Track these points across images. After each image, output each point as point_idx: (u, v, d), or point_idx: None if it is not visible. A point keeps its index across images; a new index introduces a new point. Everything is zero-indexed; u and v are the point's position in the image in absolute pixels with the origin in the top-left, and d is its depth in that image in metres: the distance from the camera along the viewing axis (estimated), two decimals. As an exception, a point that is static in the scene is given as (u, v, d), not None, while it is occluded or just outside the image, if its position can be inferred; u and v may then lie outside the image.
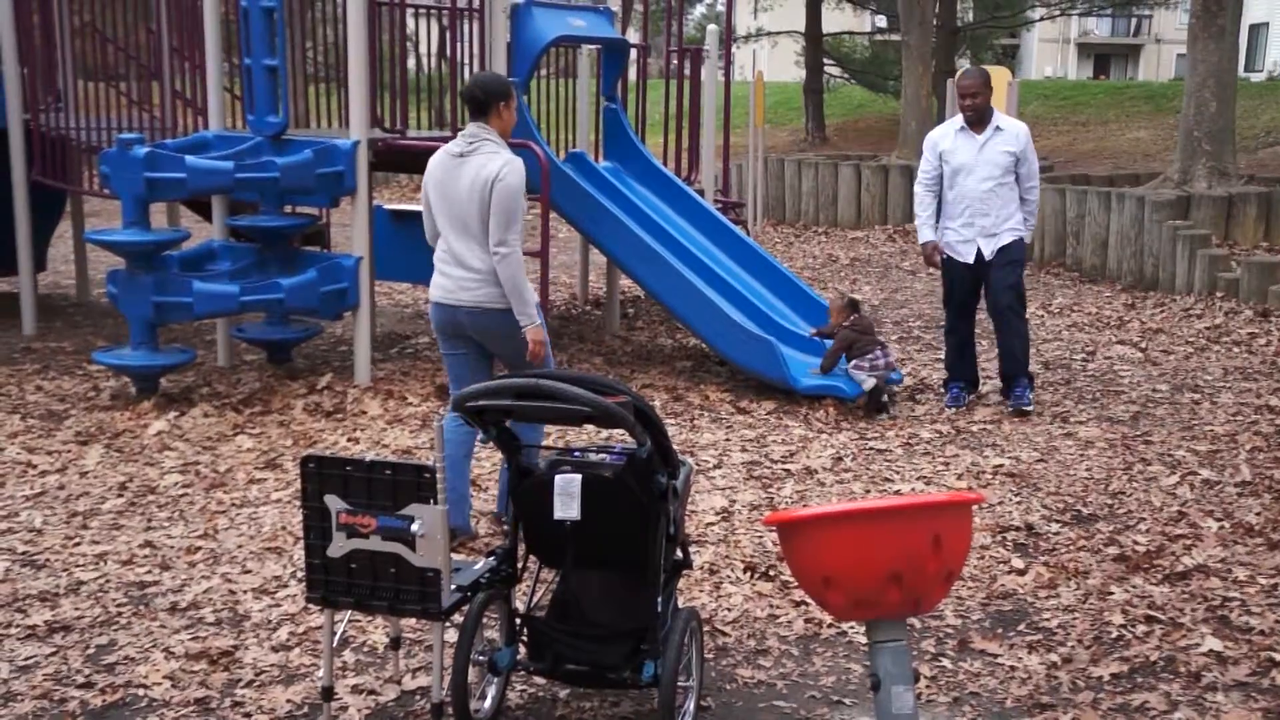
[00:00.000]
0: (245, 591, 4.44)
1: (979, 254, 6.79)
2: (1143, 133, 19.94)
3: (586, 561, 3.45)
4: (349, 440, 6.27)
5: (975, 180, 6.73)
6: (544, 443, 5.35)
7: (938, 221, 6.95)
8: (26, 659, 3.91)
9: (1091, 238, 11.70)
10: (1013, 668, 3.88)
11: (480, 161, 4.56)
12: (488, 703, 3.51)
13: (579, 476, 3.34)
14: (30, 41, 8.53)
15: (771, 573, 4.61)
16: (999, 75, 12.02)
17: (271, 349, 7.84)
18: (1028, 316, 9.67)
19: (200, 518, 5.21)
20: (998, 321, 6.94)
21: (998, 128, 6.73)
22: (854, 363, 6.95)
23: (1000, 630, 4.16)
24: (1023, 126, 6.86)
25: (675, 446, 3.54)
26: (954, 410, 6.98)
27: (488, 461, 5.93)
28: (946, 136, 6.87)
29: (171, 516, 5.23)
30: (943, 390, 7.23)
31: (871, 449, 6.23)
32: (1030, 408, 6.88)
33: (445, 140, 7.28)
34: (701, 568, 4.63)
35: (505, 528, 3.48)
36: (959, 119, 6.84)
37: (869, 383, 6.88)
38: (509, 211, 4.53)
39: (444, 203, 4.64)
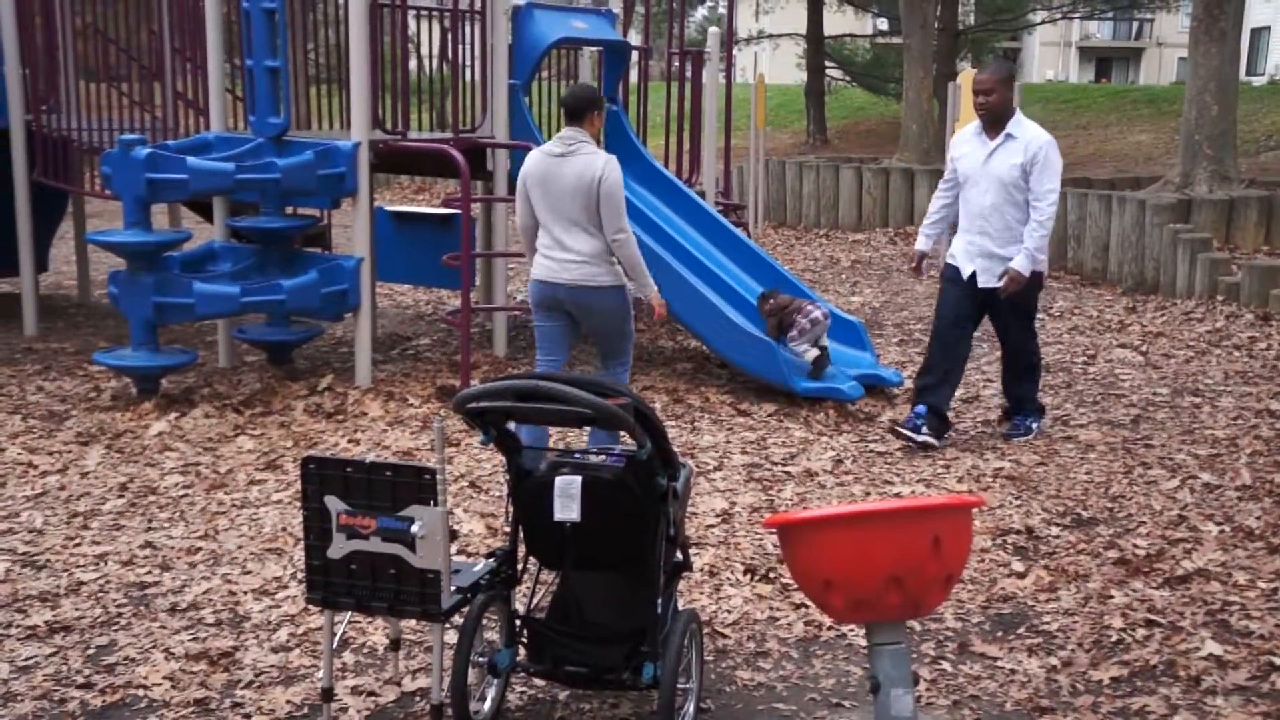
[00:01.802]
0: (245, 592, 4.45)
1: (975, 277, 6.14)
2: (1144, 136, 19.94)
3: (586, 563, 3.45)
4: (349, 441, 6.27)
5: (978, 193, 6.05)
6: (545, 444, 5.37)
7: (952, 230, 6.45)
8: (27, 659, 3.91)
9: (1092, 241, 11.70)
10: (1012, 671, 3.88)
11: (583, 161, 5.22)
12: (487, 704, 3.51)
13: (579, 478, 3.34)
14: (32, 42, 8.54)
15: (771, 575, 4.61)
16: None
17: (272, 350, 7.85)
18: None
19: (201, 518, 5.21)
20: (1004, 350, 6.47)
21: (1009, 135, 5.96)
22: (790, 336, 7.21)
23: (1000, 633, 4.16)
24: (1039, 135, 5.96)
25: (675, 448, 3.54)
26: (910, 434, 6.20)
27: (488, 463, 5.93)
28: (962, 139, 6.23)
29: (172, 517, 5.23)
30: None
31: (872, 451, 6.23)
32: (1022, 438, 6.37)
33: (445, 142, 7.34)
34: (701, 570, 4.63)
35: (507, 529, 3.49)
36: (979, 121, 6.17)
37: (811, 353, 7.17)
38: (618, 203, 5.24)
39: (547, 197, 5.30)
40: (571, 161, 5.24)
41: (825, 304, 7.60)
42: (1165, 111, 20.91)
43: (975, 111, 6.10)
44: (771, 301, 7.42)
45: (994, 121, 5.99)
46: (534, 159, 5.35)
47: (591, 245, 5.26)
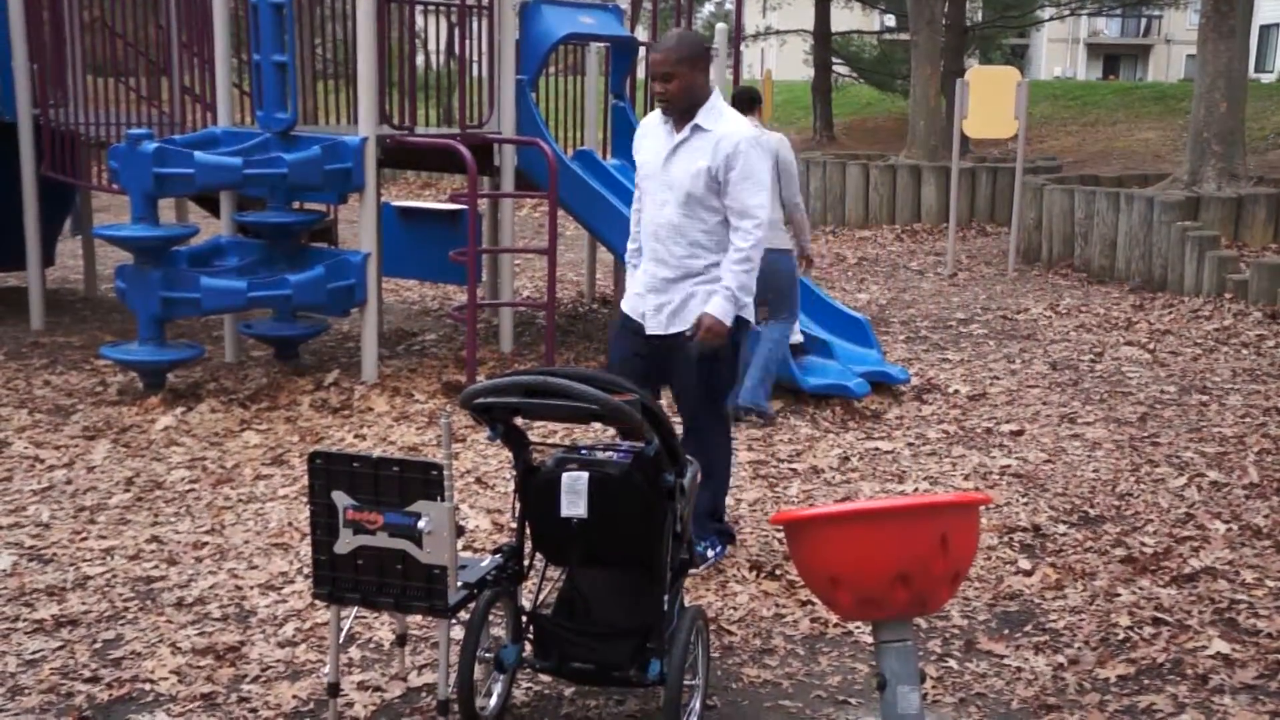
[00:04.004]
0: (252, 587, 4.45)
1: (645, 318, 4.43)
2: (1152, 133, 19.90)
3: (593, 559, 3.45)
4: (356, 437, 6.27)
5: (654, 205, 4.39)
6: (551, 440, 5.36)
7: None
8: (34, 653, 3.92)
9: (1100, 238, 11.67)
10: (1019, 669, 3.88)
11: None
12: (493, 700, 3.51)
13: (586, 474, 3.34)
14: (40, 37, 8.55)
15: (778, 572, 4.61)
16: (1008, 75, 12.02)
17: (279, 345, 7.85)
18: (1035, 316, 9.74)
19: (207, 513, 5.22)
20: (684, 435, 4.46)
21: (698, 127, 4.26)
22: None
23: (1007, 631, 4.16)
24: (737, 130, 4.24)
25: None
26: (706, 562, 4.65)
27: (494, 459, 5.93)
28: (645, 129, 4.49)
29: (178, 512, 5.23)
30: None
31: (878, 449, 6.22)
32: (701, 565, 4.58)
33: (452, 137, 7.34)
34: (707, 566, 4.62)
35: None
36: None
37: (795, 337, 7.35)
38: (794, 175, 6.41)
39: None
40: None
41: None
42: (1173, 109, 20.87)
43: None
44: None
45: (679, 113, 4.30)
46: None
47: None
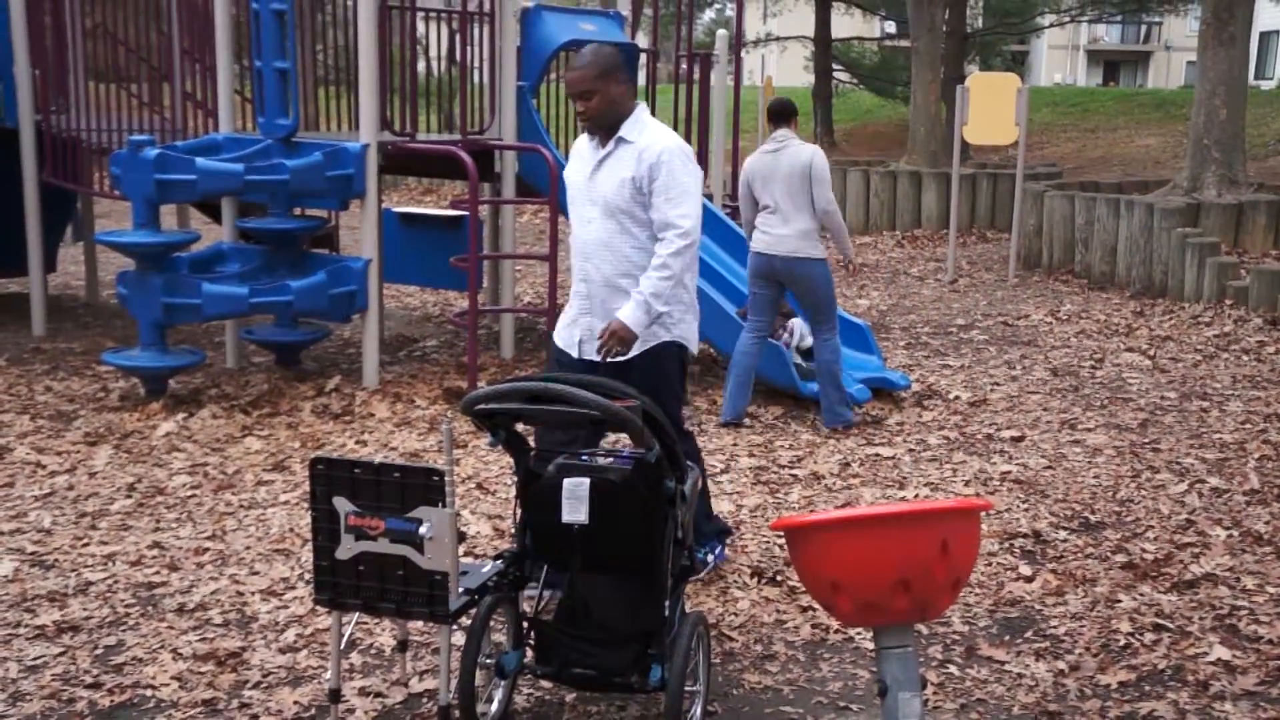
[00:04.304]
0: (253, 593, 4.45)
1: (581, 346, 4.30)
2: (1152, 140, 19.92)
3: (594, 565, 3.45)
4: (357, 443, 6.27)
5: (580, 221, 4.29)
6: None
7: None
8: (35, 659, 3.92)
9: (1100, 244, 11.68)
10: (1020, 675, 3.88)
11: (794, 152, 6.38)
12: (495, 706, 3.51)
13: (587, 480, 3.34)
14: (42, 43, 8.56)
15: (779, 578, 4.61)
16: (1008, 82, 12.03)
17: (280, 351, 7.86)
18: (1036, 322, 9.74)
19: (208, 519, 5.22)
20: None
21: (621, 139, 4.18)
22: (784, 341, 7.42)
23: (1007, 637, 4.16)
24: (660, 140, 4.13)
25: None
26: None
27: (496, 465, 5.93)
28: (578, 151, 4.39)
29: (180, 518, 5.24)
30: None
31: (879, 455, 6.22)
32: (702, 570, 4.58)
33: (453, 143, 7.35)
34: (709, 572, 4.63)
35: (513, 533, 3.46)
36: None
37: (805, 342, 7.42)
38: (828, 181, 6.40)
39: (768, 186, 6.41)
40: (784, 155, 6.39)
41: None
42: (1173, 115, 20.89)
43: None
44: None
45: (603, 129, 4.21)
46: (755, 159, 6.51)
47: (803, 224, 6.36)
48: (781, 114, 6.60)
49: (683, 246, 4.10)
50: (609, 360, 4.13)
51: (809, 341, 7.29)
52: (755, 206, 6.53)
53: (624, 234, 4.18)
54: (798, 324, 7.51)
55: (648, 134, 4.17)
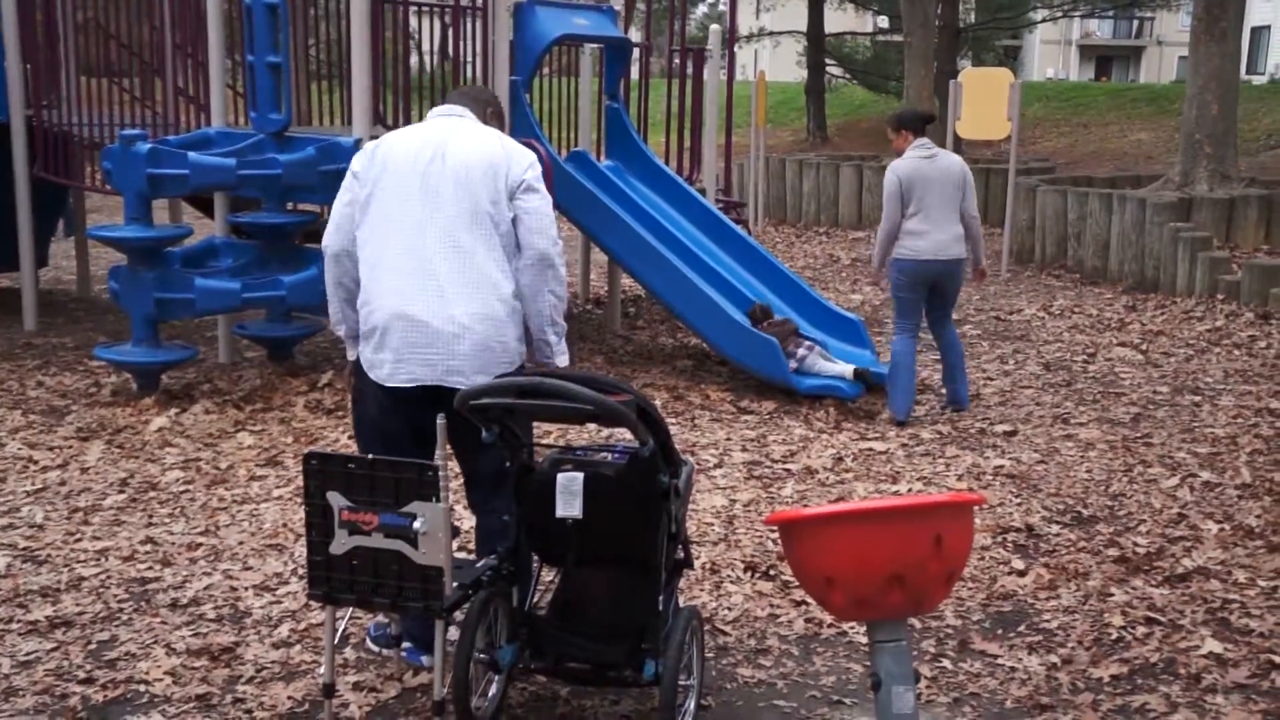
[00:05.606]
0: (246, 588, 4.45)
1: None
2: (1144, 135, 19.96)
3: (588, 560, 3.46)
4: (350, 438, 6.26)
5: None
6: (546, 441, 5.36)
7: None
8: (28, 654, 3.91)
9: (1093, 239, 11.70)
10: (1013, 669, 3.89)
11: (946, 159, 6.65)
12: (489, 700, 3.52)
13: (581, 475, 3.35)
14: (33, 37, 8.53)
15: (772, 572, 4.62)
16: (1001, 76, 12.04)
17: (273, 346, 7.84)
18: (1029, 317, 9.76)
19: (201, 514, 5.21)
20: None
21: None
22: (796, 355, 7.31)
23: (1000, 631, 4.17)
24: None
25: (676, 446, 3.54)
26: None
27: (489, 460, 5.93)
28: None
29: (173, 513, 5.23)
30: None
31: (872, 449, 6.23)
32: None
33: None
34: (702, 567, 4.64)
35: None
36: None
37: (845, 369, 7.29)
38: (974, 188, 6.73)
39: (927, 191, 6.55)
40: (937, 162, 6.58)
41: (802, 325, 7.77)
42: (1165, 110, 20.92)
43: None
44: (766, 323, 7.47)
45: None
46: (910, 165, 6.56)
47: (958, 229, 6.63)
48: (916, 123, 6.78)
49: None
50: None
51: (820, 365, 7.28)
52: (903, 209, 6.61)
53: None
54: (812, 349, 7.39)
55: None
